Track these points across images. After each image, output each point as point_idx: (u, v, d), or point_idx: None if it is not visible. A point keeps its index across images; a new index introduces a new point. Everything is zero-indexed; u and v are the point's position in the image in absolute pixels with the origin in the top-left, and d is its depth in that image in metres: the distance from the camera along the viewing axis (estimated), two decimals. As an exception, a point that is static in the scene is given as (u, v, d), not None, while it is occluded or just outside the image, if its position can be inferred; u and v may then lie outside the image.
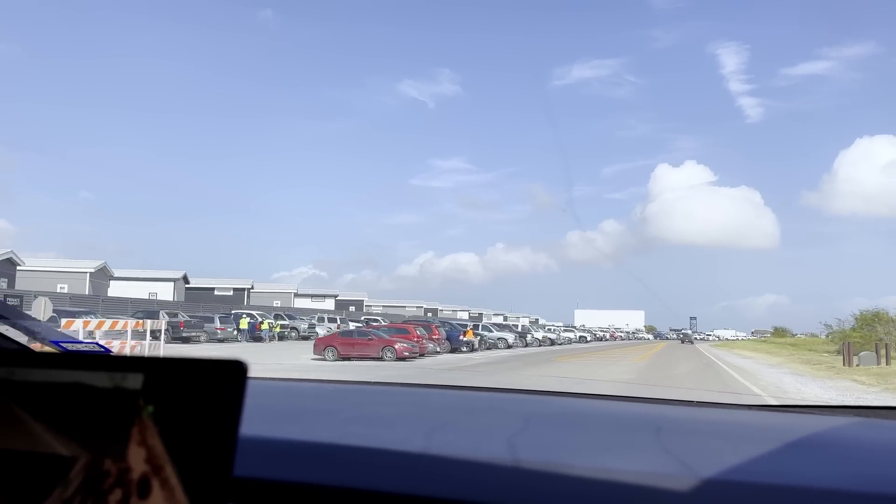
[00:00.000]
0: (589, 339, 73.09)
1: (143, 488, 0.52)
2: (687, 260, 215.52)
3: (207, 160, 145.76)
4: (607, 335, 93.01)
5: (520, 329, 52.91)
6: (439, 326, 33.85)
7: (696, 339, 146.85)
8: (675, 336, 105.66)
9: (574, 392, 1.74)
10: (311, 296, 69.40)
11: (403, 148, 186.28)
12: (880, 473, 0.82)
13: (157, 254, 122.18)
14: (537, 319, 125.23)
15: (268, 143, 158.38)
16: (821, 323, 68.76)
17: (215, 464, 0.51)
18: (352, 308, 68.15)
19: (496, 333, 44.67)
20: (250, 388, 1.81)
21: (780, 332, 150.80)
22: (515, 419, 1.16)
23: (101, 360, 0.57)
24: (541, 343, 52.03)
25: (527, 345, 48.84)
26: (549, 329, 67.19)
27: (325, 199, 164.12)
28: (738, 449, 0.90)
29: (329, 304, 67.58)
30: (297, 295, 66.25)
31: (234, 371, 0.54)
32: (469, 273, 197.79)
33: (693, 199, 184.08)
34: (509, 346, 43.76)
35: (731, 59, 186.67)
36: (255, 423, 0.93)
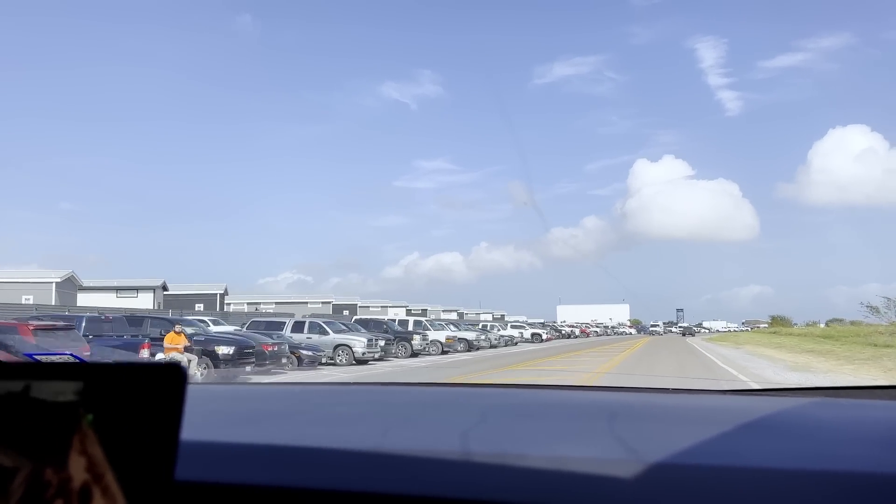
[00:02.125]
0: (546, 336, 51.66)
1: (84, 497, 0.51)
2: (670, 254, 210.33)
3: (189, 167, 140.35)
4: (576, 331, 72.02)
5: (409, 328, 32.43)
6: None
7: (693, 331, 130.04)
8: (660, 330, 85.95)
9: (537, 384, 1.74)
10: (116, 289, 46.71)
11: (386, 150, 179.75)
12: (832, 451, 0.82)
13: (139, 262, 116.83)
14: (503, 315, 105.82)
15: (250, 148, 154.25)
16: (862, 304, 50.30)
17: (155, 469, 0.51)
18: (199, 306, 46.83)
19: (336, 337, 24.29)
20: (209, 392, 1.52)
21: (778, 321, 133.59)
22: (474, 413, 1.17)
23: (39, 368, 0.56)
24: (444, 349, 31.46)
25: (413, 354, 28.65)
26: (485, 326, 46.94)
27: (309, 204, 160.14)
28: (692, 432, 0.91)
29: (145, 301, 45.63)
30: (81, 289, 43.20)
31: (173, 375, 0.53)
32: (454, 273, 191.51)
33: (673, 193, 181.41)
34: (359, 361, 23.59)
35: (709, 53, 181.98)
36: (212, 427, 0.98)
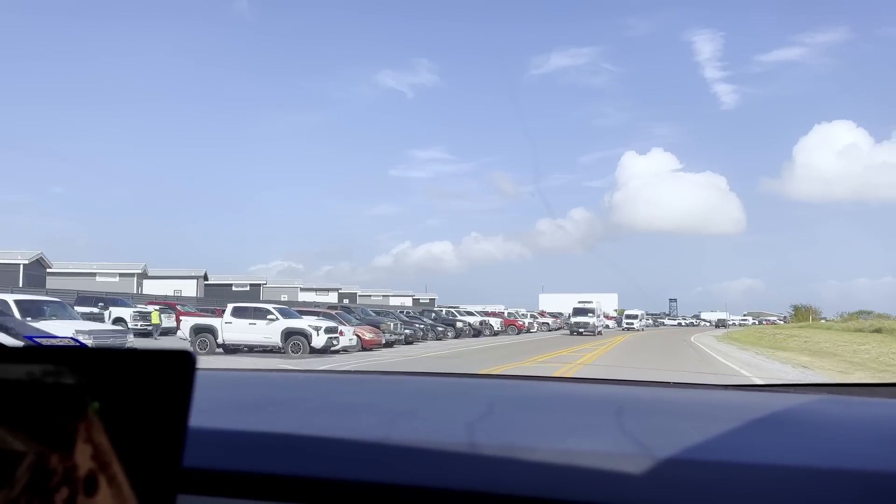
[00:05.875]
0: (348, 340, 21.92)
1: (90, 486, 0.50)
2: (659, 246, 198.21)
3: (183, 153, 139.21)
4: (496, 323, 42.42)
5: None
6: None
7: (682, 322, 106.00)
8: (593, 321, 59.77)
9: (544, 376, 1.73)
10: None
11: (382, 139, 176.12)
12: (841, 448, 0.82)
13: (129, 247, 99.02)
14: (434, 301, 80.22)
15: (244, 135, 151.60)
16: None
17: (163, 458, 0.50)
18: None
19: None
20: (215, 378, 1.49)
21: (803, 312, 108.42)
22: (481, 404, 1.16)
23: (46, 353, 0.54)
24: None
25: None
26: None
27: (303, 192, 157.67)
28: (700, 427, 0.90)
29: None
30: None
31: (182, 361, 0.51)
32: (444, 262, 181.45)
33: (660, 186, 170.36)
34: None
35: (705, 46, 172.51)
36: (218, 413, 0.97)
